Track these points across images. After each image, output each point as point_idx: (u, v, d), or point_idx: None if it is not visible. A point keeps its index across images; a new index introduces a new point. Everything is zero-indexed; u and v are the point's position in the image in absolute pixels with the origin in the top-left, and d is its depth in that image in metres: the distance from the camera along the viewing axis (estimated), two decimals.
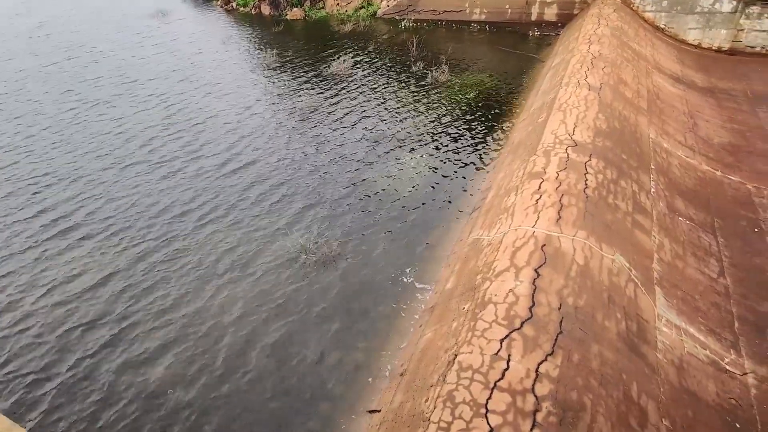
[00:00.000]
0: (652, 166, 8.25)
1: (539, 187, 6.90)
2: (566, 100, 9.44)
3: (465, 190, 9.42)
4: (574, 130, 8.24)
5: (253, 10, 24.89)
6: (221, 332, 6.67)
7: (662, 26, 15.31)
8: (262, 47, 19.06)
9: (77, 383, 6.11)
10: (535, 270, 5.38)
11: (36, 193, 9.97)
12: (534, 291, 5.10)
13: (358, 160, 10.58)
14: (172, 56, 18.30)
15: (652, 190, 7.66)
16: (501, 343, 4.57)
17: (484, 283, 5.51)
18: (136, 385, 6.04)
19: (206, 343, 6.53)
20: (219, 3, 27.07)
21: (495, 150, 10.66)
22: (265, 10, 24.40)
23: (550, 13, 18.14)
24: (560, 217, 6.21)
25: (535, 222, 6.19)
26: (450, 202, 9.12)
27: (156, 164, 10.80)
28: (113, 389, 6.01)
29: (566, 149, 7.69)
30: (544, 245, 5.75)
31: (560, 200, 6.52)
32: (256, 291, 7.32)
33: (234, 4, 26.17)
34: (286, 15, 23.23)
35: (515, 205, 6.82)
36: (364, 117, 12.50)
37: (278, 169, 10.41)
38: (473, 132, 11.44)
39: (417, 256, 7.83)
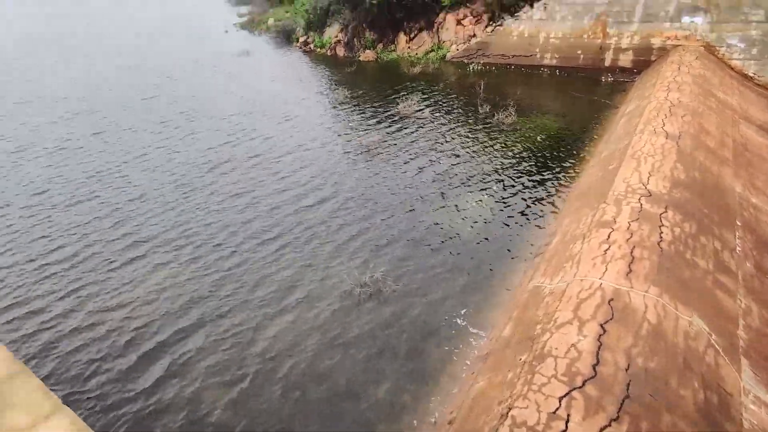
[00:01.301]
0: (738, 222, 7.59)
1: (608, 237, 6.56)
2: (641, 147, 9.04)
3: (527, 235, 9.15)
4: (648, 179, 7.82)
5: (328, 51, 26.51)
6: (269, 359, 6.80)
7: (751, 74, 14.41)
8: (335, 86, 20.13)
9: (136, 398, 6.45)
10: (601, 325, 5.05)
11: (122, 219, 10.95)
12: (599, 348, 4.78)
13: (420, 197, 10.67)
14: (254, 93, 19.79)
15: (738, 248, 7.02)
16: (560, 401, 4.28)
17: (544, 335, 5.24)
18: (185, 402, 6.26)
19: (252, 370, 6.67)
20: (298, 44, 29.12)
21: (561, 195, 10.34)
22: (340, 51, 25.90)
23: (625, 59, 17.69)
24: (631, 271, 5.83)
25: (603, 273, 5.86)
26: (511, 245, 8.88)
27: (230, 194, 11.51)
28: (164, 408, 6.28)
29: (639, 199, 7.30)
30: (612, 299, 5.40)
31: (631, 252, 6.14)
32: (308, 320, 7.44)
33: (312, 46, 28.03)
34: (359, 56, 24.49)
35: (581, 254, 6.51)
36: (428, 155, 12.68)
37: (341, 202, 10.73)
38: (539, 175, 11.20)
39: (473, 299, 7.63)
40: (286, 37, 31.42)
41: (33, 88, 23.68)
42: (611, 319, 5.12)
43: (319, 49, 27.23)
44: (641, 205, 7.15)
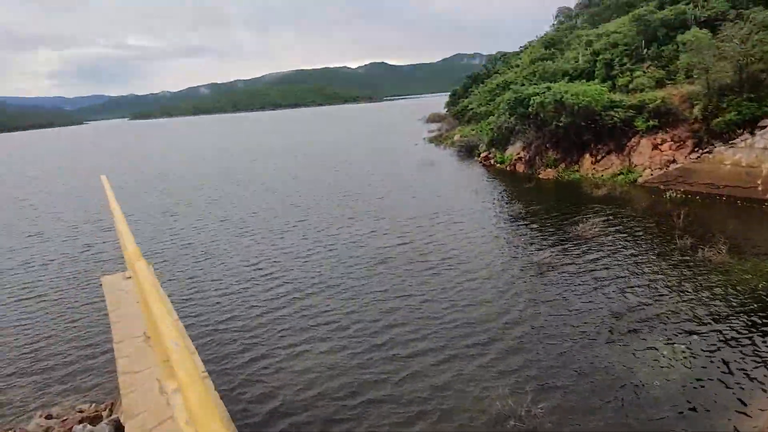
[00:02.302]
0: None
1: None
2: None
3: (742, 407, 7.16)
4: None
5: (508, 167, 27.35)
6: None
7: None
8: (511, 200, 20.36)
9: None
10: None
11: (302, 299, 12.40)
12: None
13: (595, 332, 9.48)
14: (433, 199, 21.33)
15: None
16: None
17: None
18: None
19: None
20: (479, 159, 30.85)
21: None
22: (520, 167, 26.47)
23: None
24: None
25: None
26: (717, 415, 7.03)
27: (397, 295, 12.07)
28: None
29: None
30: None
31: None
32: None
33: (492, 161, 29.38)
34: (539, 174, 24.58)
35: None
36: (609, 284, 11.43)
37: (504, 320, 10.23)
38: (759, 332, 8.95)
39: None
40: (468, 151, 33.80)
41: (267, 183, 29.89)
42: None
43: (498, 164, 28.34)
44: None
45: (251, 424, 7.61)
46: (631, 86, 24.34)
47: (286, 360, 9.27)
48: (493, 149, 30.15)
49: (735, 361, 8.23)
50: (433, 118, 64.63)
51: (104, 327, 11.03)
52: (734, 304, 10.04)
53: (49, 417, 8.50)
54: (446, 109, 61.02)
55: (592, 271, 12.29)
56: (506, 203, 19.96)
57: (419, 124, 65.55)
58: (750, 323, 9.29)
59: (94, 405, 8.74)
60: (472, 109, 44.43)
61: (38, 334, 11.23)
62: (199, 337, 10.32)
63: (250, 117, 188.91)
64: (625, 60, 27.35)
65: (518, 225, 16.83)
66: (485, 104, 41.27)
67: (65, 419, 8.40)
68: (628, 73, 26.03)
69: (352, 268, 13.72)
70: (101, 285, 5.40)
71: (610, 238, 14.55)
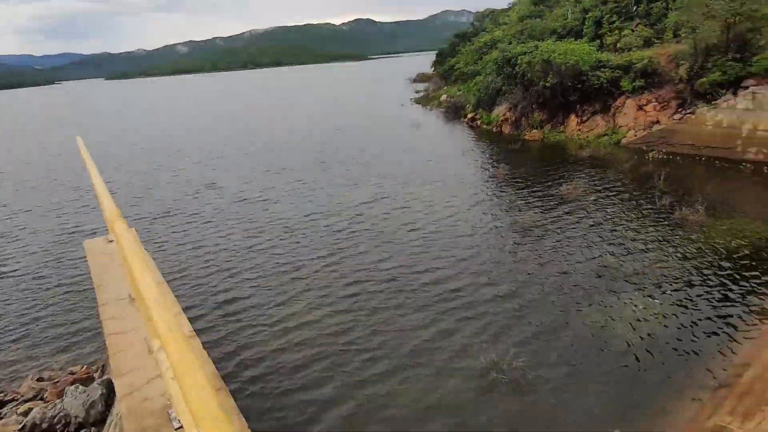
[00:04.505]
0: None
1: None
2: None
3: (706, 359, 7.60)
4: None
5: (494, 128, 27.23)
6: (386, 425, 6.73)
7: None
8: (496, 162, 20.41)
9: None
10: None
11: (287, 261, 12.47)
12: None
13: (576, 288, 9.82)
14: (418, 160, 21.25)
15: None
16: None
17: None
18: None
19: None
20: (466, 120, 30.62)
21: (760, 317, 8.43)
22: (506, 129, 26.38)
23: None
24: None
25: None
26: (682, 366, 7.45)
27: (380, 260, 12.25)
28: None
29: None
30: None
31: None
32: (436, 390, 7.22)
33: (479, 122, 29.18)
34: (525, 135, 24.55)
35: None
36: (589, 243, 11.73)
37: (487, 279, 10.49)
38: (728, 288, 9.37)
39: (627, 420, 6.52)
40: (454, 112, 33.45)
41: (255, 148, 29.31)
42: None
43: (485, 126, 28.18)
44: None
45: (242, 380, 7.83)
46: (619, 45, 24.08)
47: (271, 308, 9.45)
48: (480, 110, 29.87)
49: (706, 313, 8.65)
50: (421, 78, 63.33)
51: (90, 291, 11.05)
52: (708, 260, 10.43)
53: (40, 380, 8.60)
54: (433, 69, 59.76)
55: (573, 230, 12.58)
56: (492, 165, 20.02)
57: (406, 84, 64.26)
58: (722, 279, 9.70)
59: (85, 367, 8.85)
60: (459, 68, 43.55)
61: (25, 301, 11.19)
62: (190, 304, 10.42)
63: (233, 76, 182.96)
64: (615, 18, 26.90)
65: (504, 186, 16.97)
66: (472, 64, 40.45)
67: (57, 381, 8.51)
68: (617, 31, 25.67)
69: (335, 232, 13.79)
70: (84, 249, 5.36)
71: (592, 198, 14.81)
